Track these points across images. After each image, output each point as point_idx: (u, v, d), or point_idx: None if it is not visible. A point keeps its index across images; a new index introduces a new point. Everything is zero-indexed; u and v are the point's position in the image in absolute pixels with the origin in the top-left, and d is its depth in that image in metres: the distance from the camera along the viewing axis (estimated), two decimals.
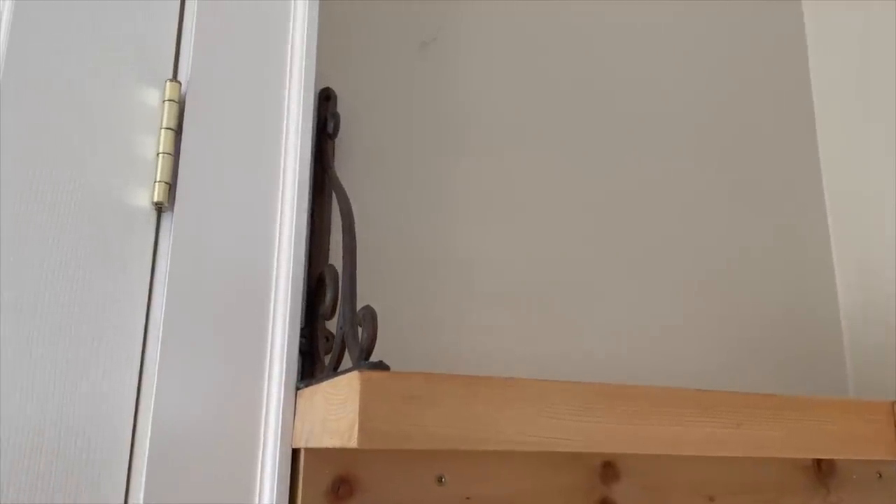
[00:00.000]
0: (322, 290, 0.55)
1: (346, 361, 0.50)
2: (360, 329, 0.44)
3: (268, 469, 0.50)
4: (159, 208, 0.53)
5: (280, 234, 0.54)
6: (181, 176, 0.52)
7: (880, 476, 0.73)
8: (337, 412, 0.40)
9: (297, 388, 0.51)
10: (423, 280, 0.63)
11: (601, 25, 0.78)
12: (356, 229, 0.51)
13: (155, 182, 0.52)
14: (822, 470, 0.70)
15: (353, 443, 0.36)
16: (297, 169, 0.55)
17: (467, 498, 0.54)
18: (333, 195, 0.58)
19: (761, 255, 0.80)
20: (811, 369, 0.80)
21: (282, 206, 0.55)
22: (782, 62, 0.89)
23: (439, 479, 0.54)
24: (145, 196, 0.53)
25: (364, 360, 0.42)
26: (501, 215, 0.68)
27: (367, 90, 0.64)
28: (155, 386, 0.48)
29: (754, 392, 0.50)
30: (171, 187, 0.52)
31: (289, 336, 0.52)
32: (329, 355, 0.54)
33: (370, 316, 0.42)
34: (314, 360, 0.54)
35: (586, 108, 0.75)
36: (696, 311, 0.75)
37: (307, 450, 0.50)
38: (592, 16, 0.78)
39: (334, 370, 0.49)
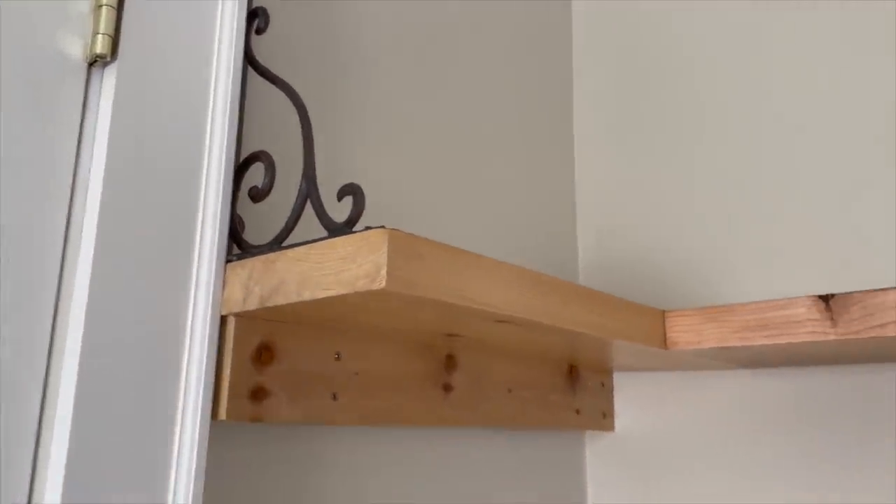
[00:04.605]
0: (240, 176, 0.58)
1: (294, 236, 0.55)
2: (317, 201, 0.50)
3: (197, 333, 0.52)
4: (92, 63, 0.51)
5: (214, 107, 0.55)
6: (125, 28, 0.51)
7: (603, 385, 0.97)
8: (336, 266, 0.45)
9: (228, 261, 0.54)
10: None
11: None
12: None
13: (98, 34, 0.50)
14: (573, 376, 0.91)
15: (378, 285, 0.42)
16: (233, 41, 0.57)
17: (356, 373, 0.62)
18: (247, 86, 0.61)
19: (524, 223, 0.98)
20: None
21: (216, 81, 0.56)
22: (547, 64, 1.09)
23: (337, 356, 0.61)
24: (78, 49, 0.50)
25: (349, 227, 0.48)
26: (377, 140, 0.75)
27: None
28: (92, 245, 0.47)
29: None
30: (114, 41, 0.50)
31: (221, 207, 0.54)
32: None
33: (360, 190, 0.48)
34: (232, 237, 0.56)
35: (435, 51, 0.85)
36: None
37: (237, 317, 0.54)
38: None
39: (279, 244, 0.53)
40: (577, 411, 0.90)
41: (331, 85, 0.72)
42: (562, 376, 0.88)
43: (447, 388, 0.71)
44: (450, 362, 0.72)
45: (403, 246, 0.44)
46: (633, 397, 0.97)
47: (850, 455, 0.77)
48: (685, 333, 0.69)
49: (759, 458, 0.83)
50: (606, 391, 0.97)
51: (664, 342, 0.70)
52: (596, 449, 0.98)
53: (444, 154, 0.85)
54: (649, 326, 0.69)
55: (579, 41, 1.13)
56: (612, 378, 0.98)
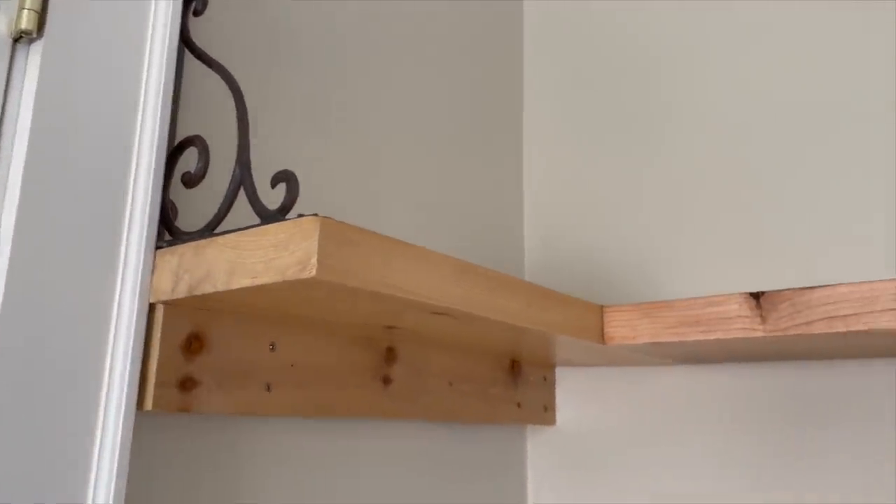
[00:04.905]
0: (173, 161, 0.57)
1: (226, 223, 0.54)
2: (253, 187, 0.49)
3: (123, 321, 0.50)
4: (17, 39, 0.49)
5: (147, 88, 0.54)
6: (53, 4, 0.49)
7: (545, 379, 0.97)
8: (268, 254, 0.45)
9: (158, 248, 0.53)
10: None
11: None
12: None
13: (24, 9, 0.48)
14: (514, 370, 0.91)
15: (308, 273, 0.42)
16: (169, 22, 0.55)
17: (292, 364, 0.61)
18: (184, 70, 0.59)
19: (471, 222, 0.99)
20: None
21: (149, 62, 0.54)
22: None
23: (271, 346, 0.60)
24: (2, 24, 0.48)
25: (283, 214, 0.47)
26: (321, 129, 0.74)
27: None
28: (12, 229, 0.45)
29: None
30: (40, 16, 0.49)
31: (152, 194, 0.53)
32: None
33: (294, 177, 0.47)
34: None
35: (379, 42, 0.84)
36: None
37: (166, 305, 0.52)
38: None
39: (211, 230, 0.52)
40: (519, 405, 0.90)
41: (270, 72, 0.71)
42: (503, 370, 0.89)
43: (386, 380, 0.71)
44: (390, 354, 0.72)
45: (335, 233, 0.44)
46: (575, 392, 0.98)
47: (789, 450, 0.79)
48: (622, 328, 0.70)
49: (698, 452, 0.85)
50: (548, 385, 0.98)
51: (602, 337, 0.71)
52: (537, 442, 0.98)
53: (387, 149, 0.84)
54: (587, 321, 0.70)
55: (530, 41, 1.14)
56: (554, 372, 0.99)
